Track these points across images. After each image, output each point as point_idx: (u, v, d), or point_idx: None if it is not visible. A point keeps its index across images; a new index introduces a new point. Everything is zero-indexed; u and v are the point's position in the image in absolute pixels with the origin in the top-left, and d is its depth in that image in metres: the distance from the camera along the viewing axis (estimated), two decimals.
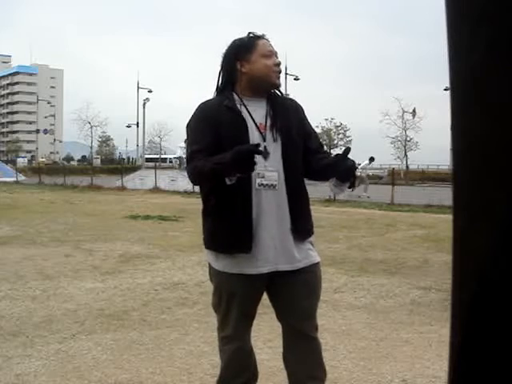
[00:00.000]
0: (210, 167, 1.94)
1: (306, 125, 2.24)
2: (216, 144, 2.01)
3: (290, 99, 2.29)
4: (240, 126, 2.06)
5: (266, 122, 2.10)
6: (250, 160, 1.82)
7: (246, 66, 2.10)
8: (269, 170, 2.06)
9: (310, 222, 2.19)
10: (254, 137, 2.07)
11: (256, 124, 2.09)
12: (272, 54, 2.12)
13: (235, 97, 2.12)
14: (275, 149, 2.09)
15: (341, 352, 3.35)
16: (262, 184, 2.04)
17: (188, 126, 2.16)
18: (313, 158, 2.15)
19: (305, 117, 2.26)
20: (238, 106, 2.10)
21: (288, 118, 2.13)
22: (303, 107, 2.28)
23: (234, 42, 2.17)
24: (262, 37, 2.16)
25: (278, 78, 2.15)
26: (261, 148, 1.91)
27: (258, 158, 2.00)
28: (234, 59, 2.12)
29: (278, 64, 2.13)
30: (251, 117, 2.10)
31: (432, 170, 42.69)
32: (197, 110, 2.15)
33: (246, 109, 2.10)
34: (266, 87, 2.13)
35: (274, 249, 2.05)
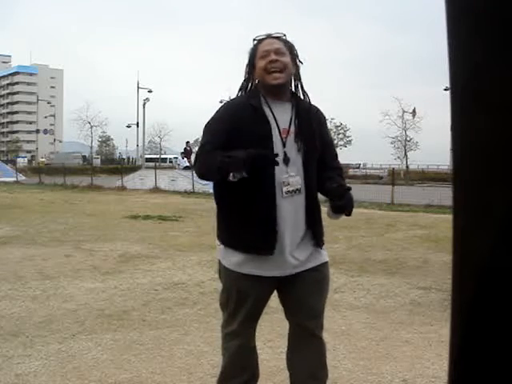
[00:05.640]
0: (220, 158, 1.94)
1: (325, 134, 2.23)
2: (230, 143, 2.00)
3: (314, 106, 2.23)
4: (264, 126, 2.05)
5: (289, 128, 2.09)
6: (263, 164, 1.90)
7: (254, 72, 2.13)
8: (292, 176, 2.07)
9: (323, 227, 2.21)
10: (276, 140, 2.06)
11: (279, 128, 2.08)
12: (268, 53, 2.07)
13: (261, 97, 2.11)
14: (296, 155, 2.09)
15: (341, 352, 3.35)
16: (289, 191, 2.06)
17: (208, 122, 2.14)
18: (321, 172, 2.15)
19: (325, 126, 2.26)
20: (264, 106, 2.09)
21: (311, 125, 2.12)
22: (325, 115, 2.27)
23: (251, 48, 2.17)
24: (265, 38, 2.13)
25: (275, 77, 2.05)
26: (278, 158, 1.95)
27: (280, 165, 2.01)
28: (249, 67, 2.15)
29: (272, 61, 2.05)
30: (275, 120, 2.08)
31: (432, 170, 42.63)
32: (222, 107, 2.16)
33: (271, 111, 2.09)
34: (269, 89, 2.09)
35: (289, 253, 2.06)
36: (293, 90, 2.17)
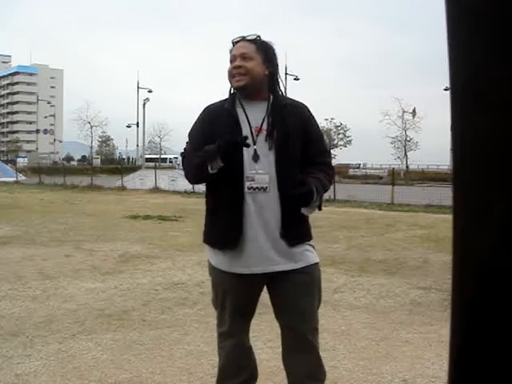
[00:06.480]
0: (198, 156, 2.05)
1: (309, 130, 2.18)
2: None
3: (297, 102, 2.22)
4: (233, 126, 2.08)
5: (261, 126, 2.10)
6: (234, 150, 1.95)
7: None
8: (259, 173, 2.06)
9: (305, 226, 2.17)
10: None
11: (251, 127, 2.10)
12: (234, 58, 2.11)
13: (237, 99, 2.14)
14: (268, 153, 2.09)
15: (341, 352, 3.35)
16: (252, 187, 2.06)
17: (191, 129, 2.23)
18: (305, 169, 2.13)
19: (310, 121, 2.21)
20: (237, 108, 2.13)
21: (286, 122, 2.10)
22: (311, 111, 2.23)
23: None
24: (239, 41, 2.16)
25: (236, 80, 2.10)
26: (248, 141, 1.99)
27: (249, 162, 2.06)
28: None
29: (235, 67, 2.09)
30: (248, 120, 2.11)
31: (432, 170, 42.69)
32: (200, 113, 2.22)
33: (244, 111, 2.12)
34: (238, 91, 2.13)
35: (266, 250, 2.06)
36: (272, 88, 2.16)
